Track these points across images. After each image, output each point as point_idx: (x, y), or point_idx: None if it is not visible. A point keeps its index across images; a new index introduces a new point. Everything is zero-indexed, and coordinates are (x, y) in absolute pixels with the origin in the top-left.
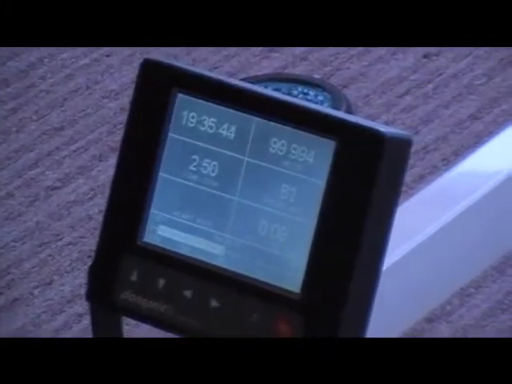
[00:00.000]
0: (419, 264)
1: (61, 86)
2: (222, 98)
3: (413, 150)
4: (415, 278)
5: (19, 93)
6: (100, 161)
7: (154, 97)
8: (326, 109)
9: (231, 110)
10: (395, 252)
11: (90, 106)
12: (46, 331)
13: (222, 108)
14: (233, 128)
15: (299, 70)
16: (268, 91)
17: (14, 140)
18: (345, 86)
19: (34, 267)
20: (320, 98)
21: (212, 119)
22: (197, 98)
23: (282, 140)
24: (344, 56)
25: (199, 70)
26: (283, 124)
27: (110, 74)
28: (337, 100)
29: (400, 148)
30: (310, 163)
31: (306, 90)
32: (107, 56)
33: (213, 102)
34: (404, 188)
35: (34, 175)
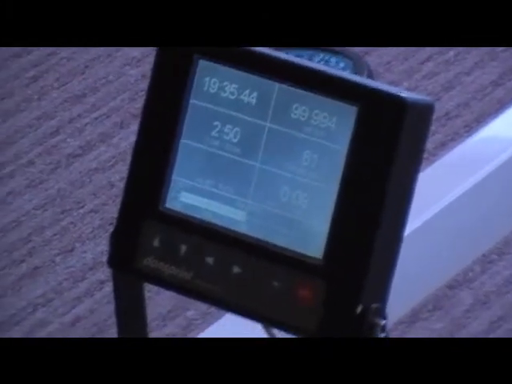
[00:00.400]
0: (441, 230)
1: (82, 53)
2: (244, 64)
3: (435, 116)
4: (437, 244)
5: (40, 60)
6: (121, 128)
7: (176, 63)
8: (347, 74)
9: (253, 76)
10: (417, 218)
11: (112, 73)
12: (68, 298)
13: (244, 74)
14: (254, 94)
15: None
16: (289, 57)
17: (35, 107)
18: (366, 53)
19: (55, 234)
20: (341, 64)
21: (233, 85)
22: (218, 64)
23: (304, 106)
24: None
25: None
26: (305, 90)
27: None
28: (358, 66)
29: (422, 114)
30: (331, 129)
31: (327, 57)
32: None
33: (234, 68)
34: (426, 155)
35: (56, 143)
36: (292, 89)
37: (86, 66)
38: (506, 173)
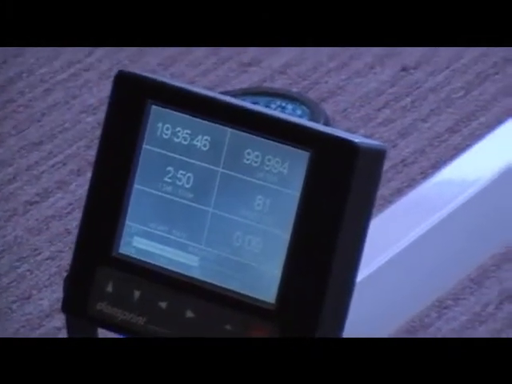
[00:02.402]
0: (396, 275)
1: (39, 100)
2: (196, 110)
3: (391, 163)
4: (391, 290)
5: None
6: (78, 175)
7: (129, 108)
8: (299, 120)
9: (205, 122)
10: (371, 263)
11: (68, 120)
12: None
13: (196, 119)
14: (207, 139)
15: (277, 84)
16: (241, 102)
17: None
18: (323, 100)
19: (12, 282)
20: (298, 111)
21: (186, 131)
22: (171, 109)
23: (256, 151)
24: (322, 70)
25: (173, 81)
26: (257, 135)
27: (88, 88)
28: (315, 114)
29: (374, 158)
30: (284, 174)
31: (284, 104)
32: (85, 71)
33: (187, 114)
34: (382, 201)
35: (13, 190)
36: (244, 134)
37: (43, 114)
38: (461, 217)
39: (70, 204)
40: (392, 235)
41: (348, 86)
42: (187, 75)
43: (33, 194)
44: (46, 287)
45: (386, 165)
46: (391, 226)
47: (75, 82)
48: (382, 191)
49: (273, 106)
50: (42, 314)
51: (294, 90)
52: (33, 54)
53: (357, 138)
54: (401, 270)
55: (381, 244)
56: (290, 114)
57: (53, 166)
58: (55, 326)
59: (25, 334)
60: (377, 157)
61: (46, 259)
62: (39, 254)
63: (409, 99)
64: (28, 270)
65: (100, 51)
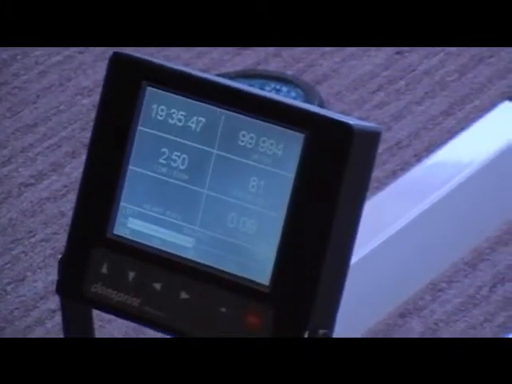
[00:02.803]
0: (390, 257)
1: (34, 83)
2: (191, 91)
3: (385, 145)
4: (385, 271)
5: None
6: (73, 158)
7: (124, 90)
8: (294, 101)
9: (200, 103)
10: (366, 245)
11: (63, 102)
12: (19, 327)
13: (191, 101)
14: (202, 121)
15: (272, 67)
16: (236, 84)
17: None
18: (317, 83)
19: (6, 264)
20: (293, 94)
21: (181, 112)
22: (166, 91)
23: (251, 133)
24: (317, 52)
25: (168, 63)
26: (252, 117)
27: (82, 70)
28: (309, 96)
29: (369, 140)
30: (279, 156)
31: (278, 87)
32: (80, 53)
33: (182, 95)
34: (376, 184)
35: (7, 172)
36: (239, 116)
37: (38, 96)
38: (455, 199)
39: (65, 186)
40: (387, 217)
41: (342, 68)
42: (182, 57)
43: (27, 176)
44: (41, 269)
45: (381, 147)
46: (386, 208)
47: (70, 64)
48: (377, 173)
49: (267, 88)
50: (37, 296)
51: (289, 72)
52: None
53: (352, 120)
54: (395, 251)
55: (375, 226)
56: (284, 96)
57: (47, 148)
58: (50, 308)
59: (19, 315)
60: (372, 139)
61: (41, 241)
62: (34, 236)
63: (403, 82)
64: (22, 252)
65: None
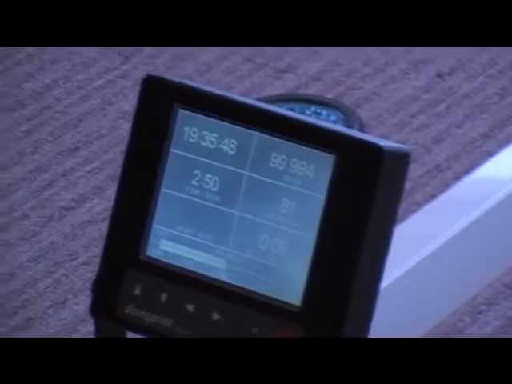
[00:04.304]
0: (427, 276)
1: (76, 107)
2: (223, 113)
3: (425, 169)
4: (423, 292)
5: (34, 114)
6: (114, 181)
7: (156, 112)
8: (324, 123)
9: (231, 125)
10: (403, 264)
11: (105, 127)
12: None
13: (223, 123)
14: (233, 143)
15: (312, 90)
16: (267, 106)
17: (28, 161)
18: (358, 106)
19: (48, 287)
20: (333, 117)
21: (213, 134)
22: (198, 113)
23: (282, 155)
24: (357, 76)
25: (200, 85)
26: (283, 139)
27: (123, 95)
28: (350, 119)
29: (399, 161)
30: (309, 177)
31: (319, 110)
32: (121, 77)
33: (213, 118)
34: (415, 207)
35: (49, 196)
36: (270, 138)
37: (80, 120)
38: (494, 218)
39: (106, 210)
40: (425, 236)
41: (383, 91)
42: (223, 82)
43: (69, 199)
44: (82, 292)
45: (421, 170)
46: (425, 227)
47: (111, 88)
48: (417, 197)
49: (308, 112)
50: (77, 319)
51: (329, 96)
52: (69, 61)
53: (381, 142)
54: (433, 270)
55: (413, 245)
56: (324, 119)
57: (89, 171)
58: (90, 331)
59: None
60: (401, 160)
61: (82, 264)
62: (75, 259)
63: (443, 105)
64: (64, 275)
65: (136, 58)
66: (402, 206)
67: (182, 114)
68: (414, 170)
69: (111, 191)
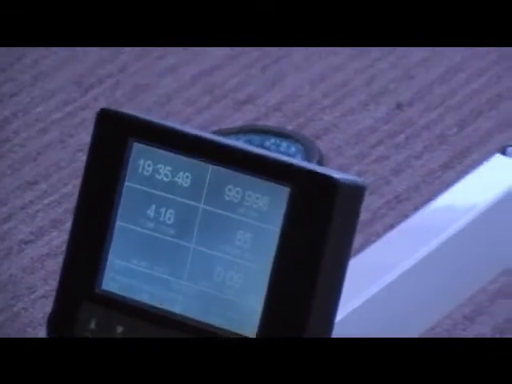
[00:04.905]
0: (384, 306)
1: (35, 140)
2: (177, 147)
3: (384, 199)
4: (379, 321)
5: None
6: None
7: (111, 146)
8: (279, 155)
9: (186, 158)
10: (360, 295)
11: (64, 159)
12: None
13: (177, 156)
14: (188, 176)
15: (272, 122)
16: (221, 138)
17: None
18: (317, 137)
19: (6, 320)
20: (293, 149)
21: (168, 167)
22: (152, 146)
23: (237, 187)
24: (317, 107)
25: (154, 119)
26: (237, 171)
27: (84, 127)
28: (309, 151)
29: (354, 193)
30: (264, 210)
31: (278, 142)
32: (82, 109)
33: (168, 151)
34: (375, 238)
35: (8, 229)
36: (225, 170)
37: (39, 153)
38: (452, 248)
39: (65, 243)
40: (382, 267)
41: (342, 123)
42: (182, 113)
43: (27, 232)
44: (41, 325)
45: (380, 201)
46: (381, 257)
47: (71, 120)
48: (376, 227)
49: (267, 143)
50: None
51: (289, 127)
52: (28, 94)
53: (336, 174)
54: (389, 301)
55: (370, 277)
56: (284, 151)
57: (48, 204)
58: None
59: None
60: (357, 192)
61: (41, 297)
62: (34, 292)
63: (403, 136)
64: (23, 308)
65: (96, 90)
66: (362, 237)
67: (137, 147)
68: (374, 201)
69: (70, 224)
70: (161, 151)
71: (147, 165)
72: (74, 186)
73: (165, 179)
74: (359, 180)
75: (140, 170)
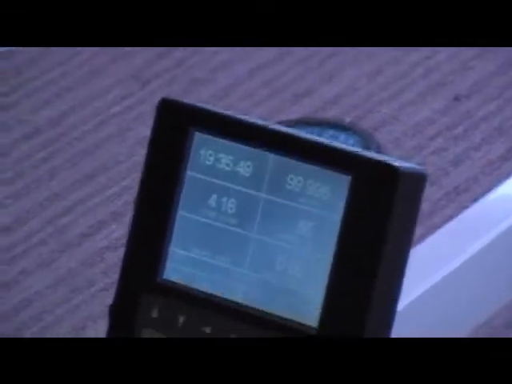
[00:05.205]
0: (444, 297)
1: (92, 134)
2: (239, 136)
3: (443, 191)
4: (440, 312)
5: (51, 141)
6: (133, 207)
7: (172, 136)
8: (340, 144)
9: (248, 148)
10: (419, 286)
11: (123, 153)
12: None
13: (239, 145)
14: (250, 165)
15: (330, 114)
16: (283, 128)
17: (46, 188)
18: (375, 129)
19: (66, 313)
20: (350, 141)
21: (229, 157)
22: (214, 136)
23: (299, 176)
24: (375, 100)
25: (216, 108)
26: (299, 160)
27: (142, 120)
28: (367, 142)
29: (415, 182)
30: (326, 199)
31: (336, 134)
32: (139, 103)
33: (229, 140)
34: (434, 230)
35: (67, 222)
36: (286, 159)
37: (97, 147)
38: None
39: (125, 235)
40: (441, 258)
41: (400, 115)
42: (240, 107)
43: (87, 226)
44: (101, 318)
45: (439, 193)
46: (441, 248)
47: (129, 114)
48: (436, 219)
49: (325, 135)
50: None
51: (347, 119)
52: (85, 88)
53: (397, 162)
54: (448, 293)
55: (430, 268)
56: (342, 143)
57: (107, 197)
58: None
59: None
60: (418, 180)
61: (101, 290)
62: (93, 285)
63: (461, 128)
64: (82, 301)
65: (153, 84)
66: (421, 229)
67: (198, 136)
68: (433, 193)
69: (130, 217)
70: (222, 140)
71: (208, 154)
72: (132, 180)
73: (226, 168)
74: (420, 168)
75: (201, 159)
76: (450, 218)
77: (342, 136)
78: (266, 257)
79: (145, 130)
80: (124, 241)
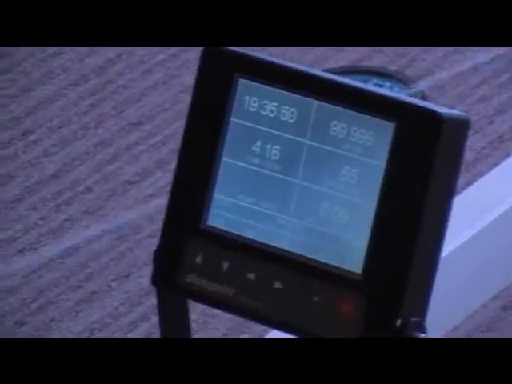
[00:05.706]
0: (486, 247)
1: (138, 81)
2: (282, 82)
3: (488, 139)
4: (481, 262)
5: (97, 89)
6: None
7: (216, 82)
8: (384, 91)
9: (291, 94)
10: (460, 235)
11: (168, 100)
12: (124, 323)
13: (283, 92)
14: (294, 111)
15: (375, 63)
16: (327, 74)
17: (92, 135)
18: (420, 78)
19: (112, 260)
20: (395, 89)
21: (273, 103)
22: (258, 82)
23: (342, 123)
24: (419, 48)
25: (259, 54)
26: (343, 107)
27: (186, 68)
28: (411, 91)
29: (458, 128)
30: (369, 145)
31: (381, 82)
32: (184, 51)
33: (273, 87)
34: (479, 178)
35: (112, 170)
36: (330, 106)
37: (143, 94)
38: None
39: (170, 183)
40: (486, 204)
41: (445, 63)
42: (285, 55)
43: (132, 173)
44: (146, 265)
45: (483, 141)
46: (486, 195)
47: (174, 62)
48: (480, 167)
49: (370, 83)
50: (142, 292)
51: (392, 67)
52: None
53: (441, 109)
54: (493, 240)
55: (474, 214)
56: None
57: (152, 145)
58: (154, 304)
59: (124, 311)
60: (461, 127)
61: (146, 237)
62: (139, 232)
63: (506, 76)
64: (128, 249)
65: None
66: (467, 177)
67: (242, 83)
68: (477, 141)
69: (174, 165)
70: (266, 87)
71: (253, 101)
72: (177, 127)
73: (270, 115)
74: (463, 115)
75: (245, 105)
76: (495, 165)
77: (387, 84)
78: (310, 203)
79: (189, 78)
80: (169, 188)
